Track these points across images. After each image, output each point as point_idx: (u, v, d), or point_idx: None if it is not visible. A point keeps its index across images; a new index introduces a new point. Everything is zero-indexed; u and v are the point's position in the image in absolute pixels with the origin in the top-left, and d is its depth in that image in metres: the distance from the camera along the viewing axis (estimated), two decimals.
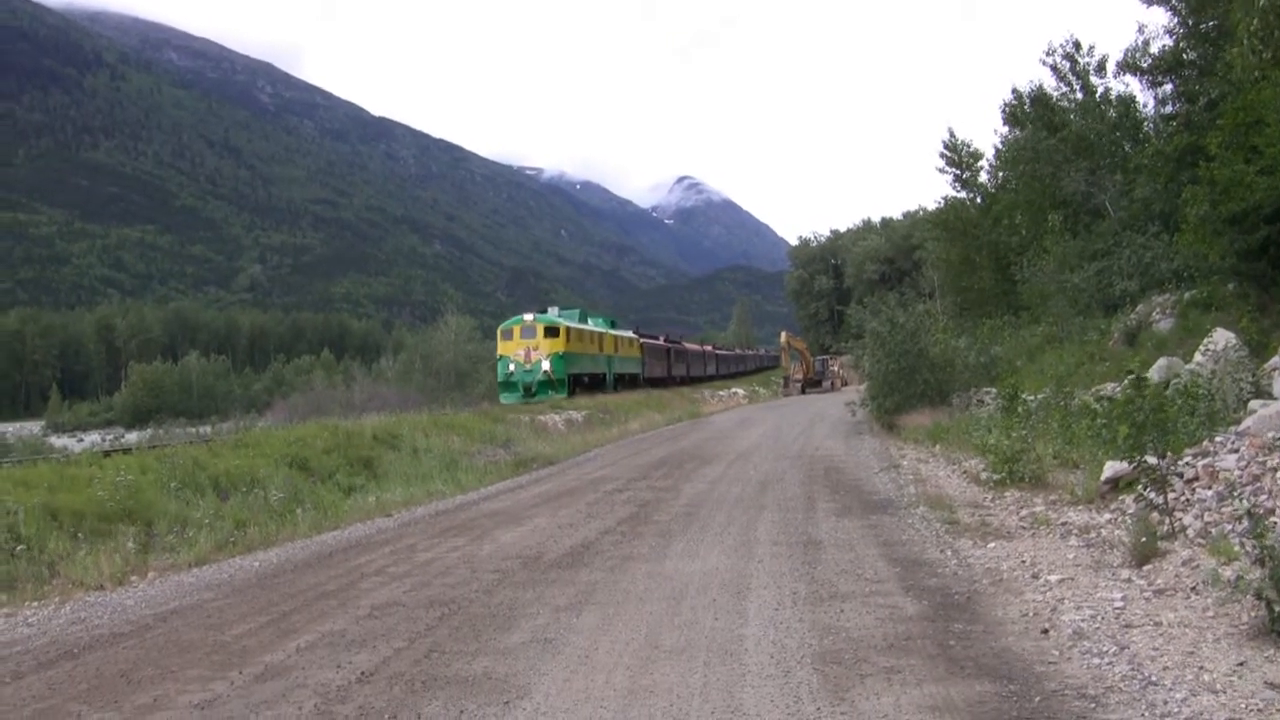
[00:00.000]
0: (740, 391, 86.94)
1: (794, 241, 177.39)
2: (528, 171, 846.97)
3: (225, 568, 14.80)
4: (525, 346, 55.23)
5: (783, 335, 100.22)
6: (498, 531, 16.84)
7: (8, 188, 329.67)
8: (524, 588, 12.07)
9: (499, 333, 58.52)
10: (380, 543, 16.43)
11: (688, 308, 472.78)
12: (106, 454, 23.95)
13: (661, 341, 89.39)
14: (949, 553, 12.83)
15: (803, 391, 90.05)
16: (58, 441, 58.20)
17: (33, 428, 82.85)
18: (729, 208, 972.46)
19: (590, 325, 65.28)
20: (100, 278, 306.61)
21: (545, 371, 54.47)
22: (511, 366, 55.61)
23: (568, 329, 56.68)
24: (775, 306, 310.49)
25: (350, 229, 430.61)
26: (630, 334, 78.12)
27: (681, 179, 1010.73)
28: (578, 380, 57.75)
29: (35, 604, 12.68)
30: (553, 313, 60.07)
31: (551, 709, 7.53)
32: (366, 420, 33.56)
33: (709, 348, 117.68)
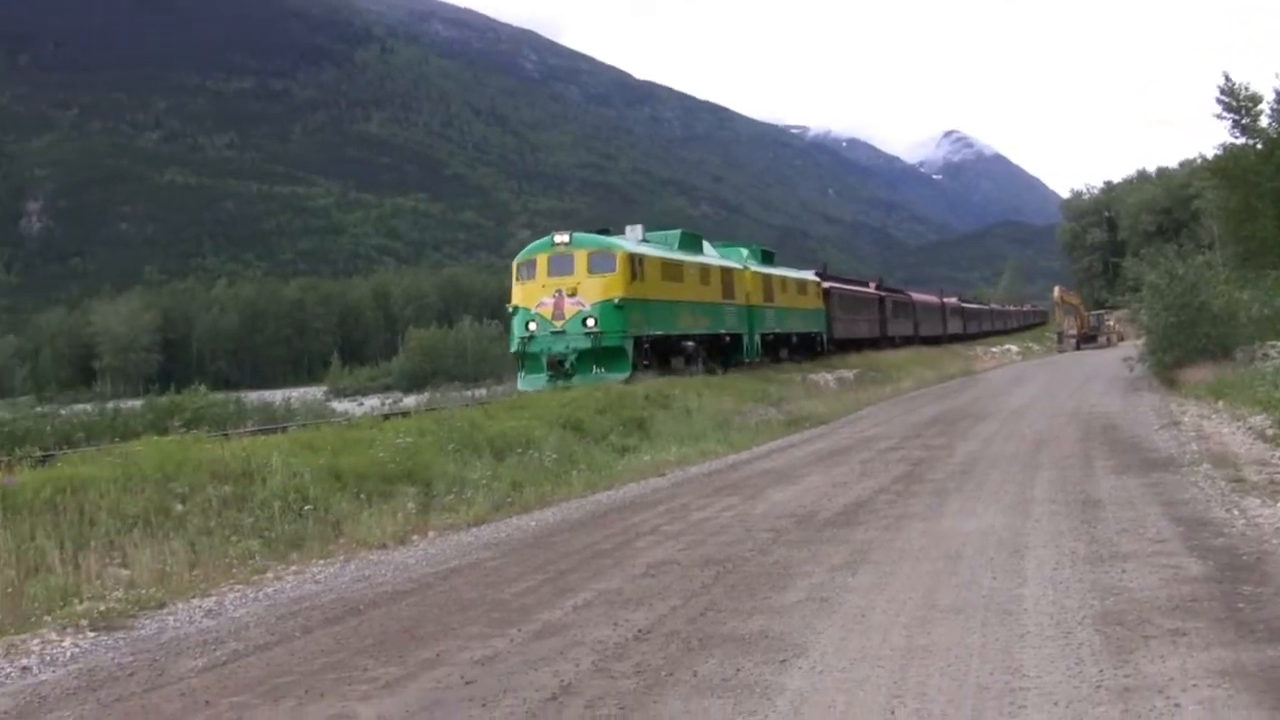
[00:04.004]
0: (1014, 348, 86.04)
1: (1066, 195, 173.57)
2: (793, 130, 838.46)
3: (502, 527, 15.11)
4: (555, 289, 32.83)
5: (1055, 290, 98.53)
6: (770, 490, 16.87)
7: (286, 162, 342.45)
8: (798, 546, 12.02)
9: (514, 268, 34.85)
10: (654, 502, 16.62)
11: (958, 264, 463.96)
12: (385, 417, 24.77)
13: (871, 289, 70.08)
14: (1235, 512, 12.26)
15: (1077, 347, 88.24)
16: (339, 406, 59.99)
17: (315, 393, 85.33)
18: (998, 161, 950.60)
19: (706, 255, 41.89)
20: (375, 246, 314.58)
21: (589, 331, 32.13)
22: (531, 325, 33.12)
23: (630, 258, 33.64)
24: (1048, 261, 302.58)
25: (617, 192, 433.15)
26: (807, 275, 56.04)
27: (949, 133, 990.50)
28: (666, 347, 36.30)
29: (322, 562, 13.13)
30: (632, 235, 37.15)
31: (828, 667, 7.48)
32: None
33: (951, 300, 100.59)
